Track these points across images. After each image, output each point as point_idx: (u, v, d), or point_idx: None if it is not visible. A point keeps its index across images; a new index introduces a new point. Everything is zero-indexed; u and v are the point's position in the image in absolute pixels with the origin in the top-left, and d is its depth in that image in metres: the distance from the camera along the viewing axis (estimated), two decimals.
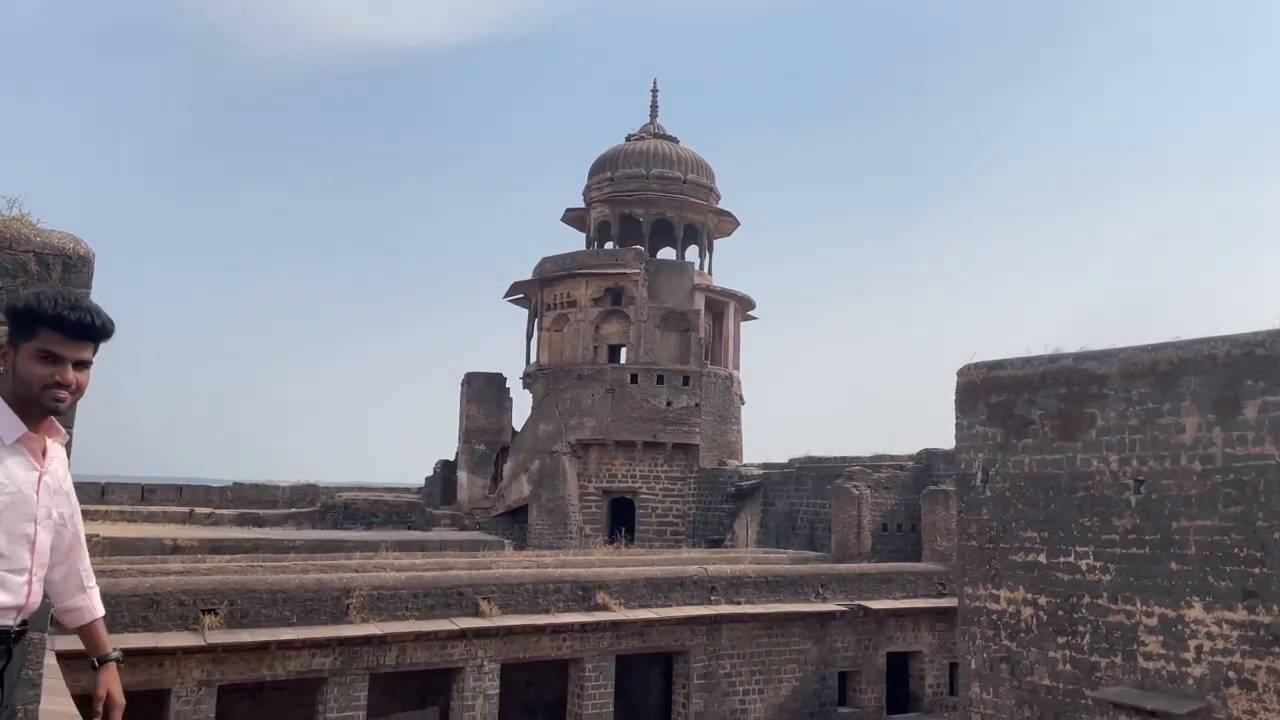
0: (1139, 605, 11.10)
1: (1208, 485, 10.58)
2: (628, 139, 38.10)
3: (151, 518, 28.18)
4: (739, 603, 18.38)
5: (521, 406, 36.80)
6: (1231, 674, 10.21)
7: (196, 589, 14.03)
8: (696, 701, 17.54)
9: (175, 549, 21.40)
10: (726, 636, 17.94)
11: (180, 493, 33.11)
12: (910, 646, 20.08)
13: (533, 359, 36.06)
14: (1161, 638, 10.84)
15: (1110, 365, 11.69)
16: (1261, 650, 10.00)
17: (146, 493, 32.49)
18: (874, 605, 19.39)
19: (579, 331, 34.34)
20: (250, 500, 33.07)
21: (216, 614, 13.81)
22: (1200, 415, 10.71)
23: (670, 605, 17.71)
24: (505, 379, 37.00)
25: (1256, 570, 10.11)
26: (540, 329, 35.70)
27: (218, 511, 29.73)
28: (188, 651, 13.29)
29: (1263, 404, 10.20)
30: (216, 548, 21.56)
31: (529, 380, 35.78)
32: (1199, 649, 10.50)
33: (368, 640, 14.51)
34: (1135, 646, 11.07)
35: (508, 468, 34.53)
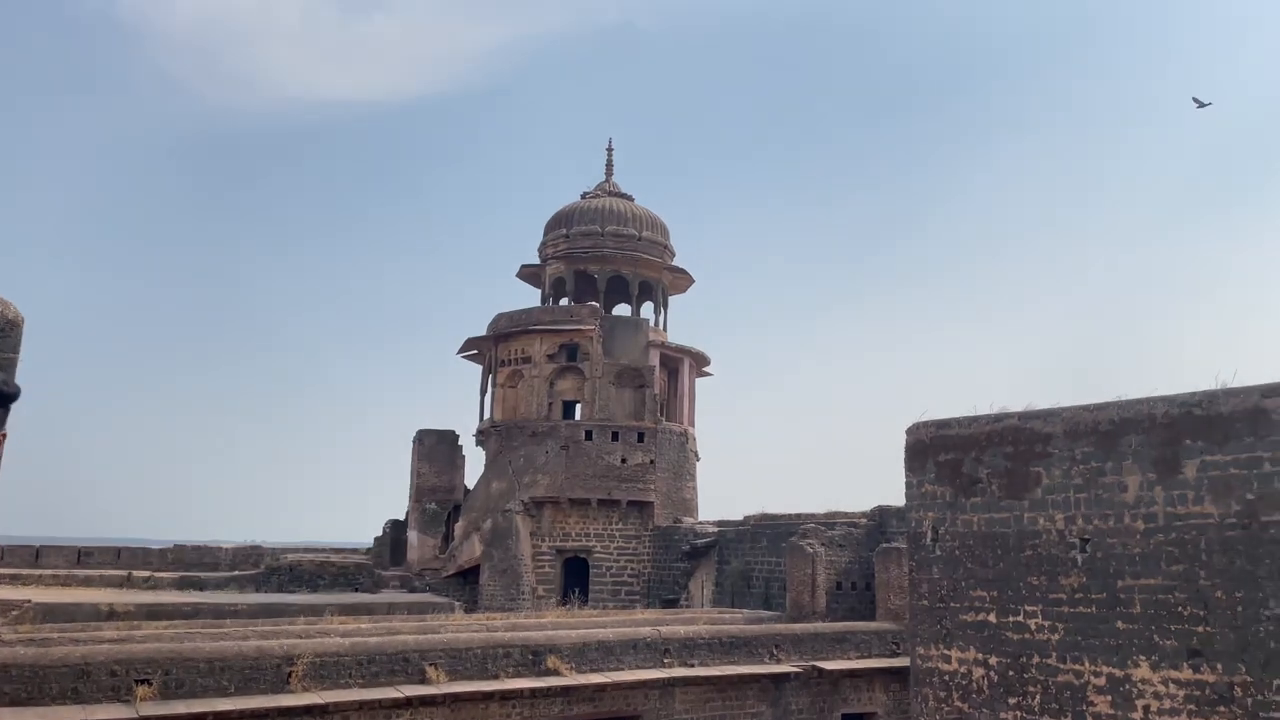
0: (1087, 665, 11.12)
1: (1151, 544, 10.69)
2: (583, 196, 38.44)
3: (87, 582, 27.29)
4: (693, 665, 18.12)
5: (474, 464, 36.43)
6: None
7: (130, 658, 13.51)
8: None
9: (111, 615, 20.72)
10: (680, 700, 17.64)
11: (118, 555, 32.07)
12: (865, 708, 19.88)
13: (486, 415, 35.79)
14: (1110, 697, 10.85)
15: (1054, 424, 11.85)
16: (1207, 709, 10.04)
17: (83, 555, 31.46)
18: (828, 666, 19.22)
19: (533, 388, 34.19)
20: (191, 563, 32.15)
21: (150, 684, 13.29)
22: (1142, 474, 10.87)
23: (623, 669, 17.41)
24: (458, 436, 36.67)
25: (1200, 629, 10.19)
26: (494, 385, 35.50)
27: (157, 575, 28.87)
28: None
29: (1201, 463, 10.37)
30: (154, 613, 20.93)
31: (482, 437, 35.46)
32: (1146, 709, 10.52)
33: (309, 710, 14.04)
34: (1084, 707, 11.06)
35: (459, 527, 34.02)
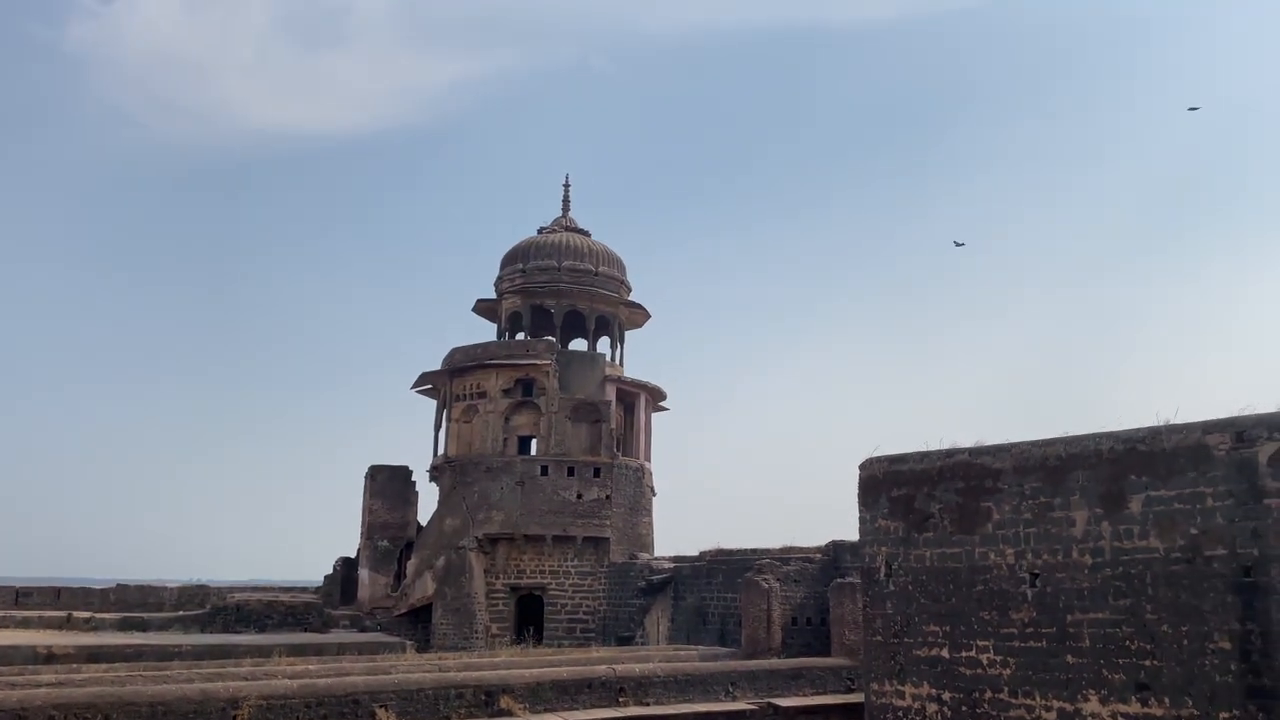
0: (1038, 699, 11.22)
1: (1098, 578, 10.86)
2: (540, 232, 38.53)
3: (25, 623, 26.46)
4: (648, 704, 17.95)
5: (428, 500, 36.03)
6: None
7: (69, 703, 13.07)
8: None
9: (49, 658, 20.10)
10: None
11: (58, 595, 31.19)
12: None
13: (440, 451, 35.47)
14: None
15: (1004, 460, 12.03)
16: None
17: (21, 596, 30.55)
18: (784, 703, 19.14)
19: (488, 423, 33.99)
20: (134, 603, 31.33)
21: None
22: (1089, 509, 11.06)
23: (577, 708, 17.20)
24: (411, 472, 36.27)
25: (1148, 663, 10.34)
26: (449, 420, 35.23)
27: (98, 615, 28.07)
28: None
29: (1146, 498, 10.58)
30: (95, 655, 20.33)
31: (436, 473, 35.11)
32: None
33: None
34: None
35: (411, 565, 33.55)
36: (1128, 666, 10.49)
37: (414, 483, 36.02)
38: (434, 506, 34.51)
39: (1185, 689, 10.00)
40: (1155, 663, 10.26)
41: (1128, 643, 10.51)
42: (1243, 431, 9.99)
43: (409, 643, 26.46)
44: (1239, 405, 10.21)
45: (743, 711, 18.71)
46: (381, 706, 15.25)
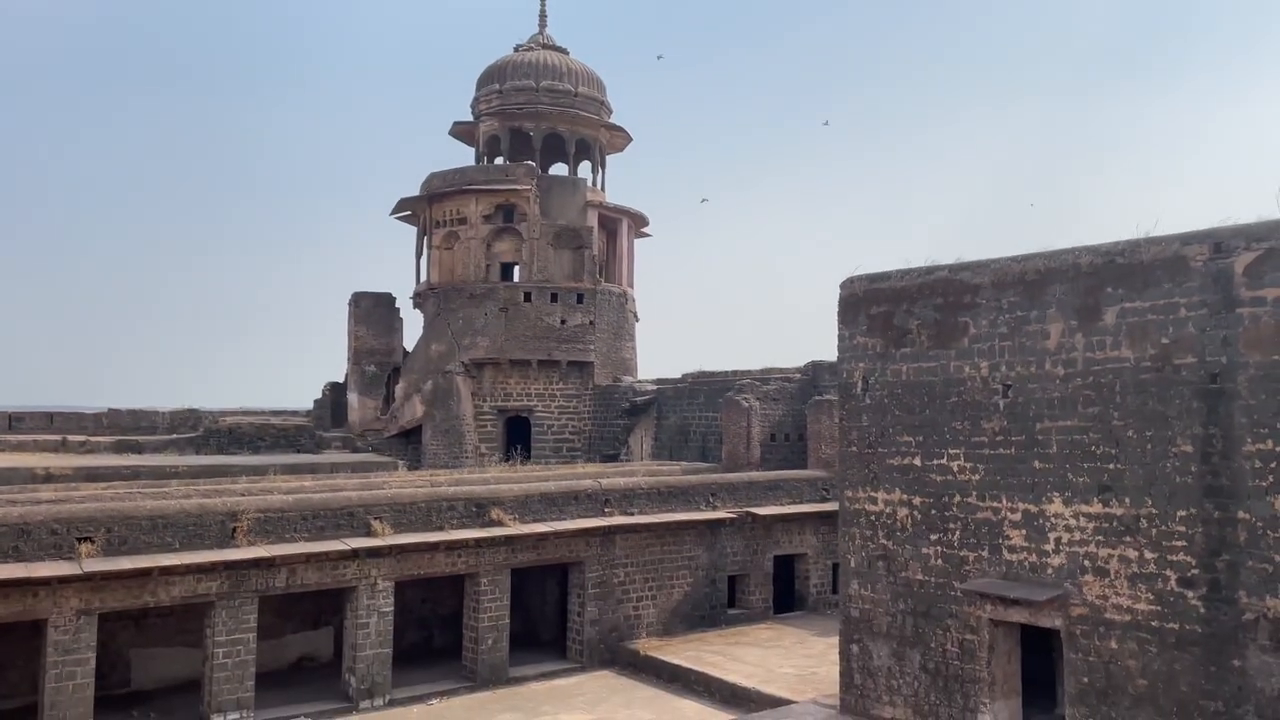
0: (1005, 502, 11.74)
1: (1069, 388, 11.16)
2: (516, 49, 37.11)
3: (21, 447, 26.96)
4: (632, 514, 18.75)
5: (413, 327, 36.23)
6: (1087, 563, 10.94)
7: (70, 517, 13.53)
8: (592, 609, 17.94)
9: (48, 478, 20.61)
10: (620, 546, 18.32)
11: (51, 420, 31.64)
12: (796, 549, 20.89)
13: (423, 278, 35.38)
14: (1024, 531, 11.51)
15: (982, 276, 12.12)
16: (1114, 540, 10.72)
17: (13, 421, 30.98)
18: (762, 512, 20.04)
19: (470, 249, 33.78)
20: (127, 427, 31.87)
21: (93, 542, 13.37)
22: (1064, 322, 11.24)
23: (565, 519, 17.94)
24: (395, 299, 36.32)
25: (1111, 466, 10.78)
26: (430, 247, 34.98)
27: (92, 439, 28.61)
28: (63, 580, 12.87)
29: (1121, 310, 10.74)
30: (92, 475, 20.84)
31: (419, 300, 35.16)
32: (1058, 541, 11.20)
33: (255, 563, 14.30)
34: (1001, 540, 11.74)
35: (400, 389, 34.09)
36: (1092, 470, 10.93)
37: (398, 309, 36.13)
38: (419, 332, 34.76)
39: (1146, 490, 10.47)
40: (1119, 466, 10.70)
41: (1093, 448, 10.91)
42: (1221, 243, 10.05)
43: (401, 462, 27.25)
44: (1219, 218, 10.24)
45: (722, 520, 19.59)
46: (376, 518, 15.85)
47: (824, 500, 20.94)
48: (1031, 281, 11.57)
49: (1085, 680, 10.88)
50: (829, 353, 21.38)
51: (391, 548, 15.62)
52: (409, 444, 33.31)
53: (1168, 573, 10.25)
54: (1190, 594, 10.07)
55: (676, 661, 16.83)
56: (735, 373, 29.01)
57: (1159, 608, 10.29)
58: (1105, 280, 10.88)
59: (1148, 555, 10.43)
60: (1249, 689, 9.58)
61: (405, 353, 35.24)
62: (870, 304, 13.48)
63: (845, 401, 13.92)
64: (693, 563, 19.21)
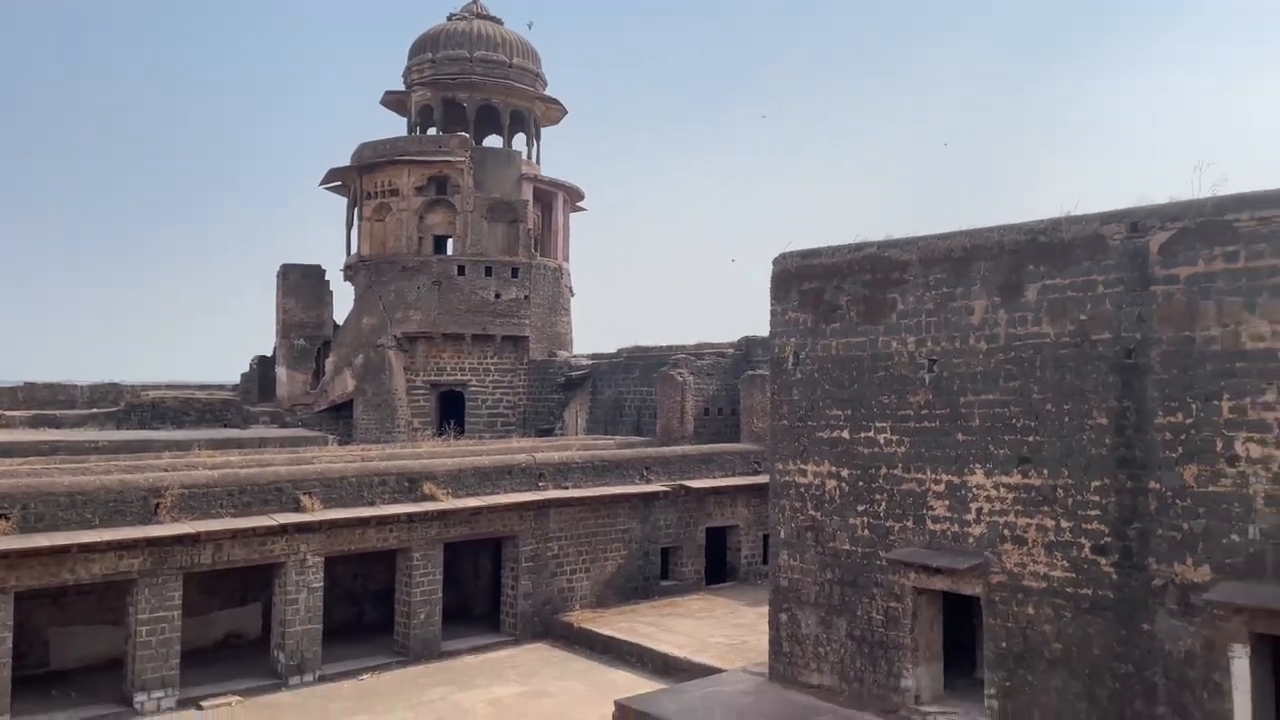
0: (929, 474, 12.04)
1: (992, 363, 11.46)
2: (449, 18, 36.51)
3: None
4: (567, 488, 18.79)
5: (343, 299, 35.66)
6: (1006, 532, 11.29)
7: None
8: (525, 583, 17.98)
9: None
10: (554, 520, 18.36)
11: None
12: (728, 521, 21.17)
13: (354, 250, 34.79)
14: (947, 502, 11.83)
15: (910, 252, 12.34)
16: (1032, 510, 11.08)
17: None
18: (695, 485, 20.25)
19: (402, 221, 33.29)
20: (44, 401, 30.85)
21: (8, 519, 12.97)
22: (988, 298, 11.52)
23: (499, 493, 17.92)
24: (324, 271, 35.67)
25: (1030, 439, 11.11)
26: (361, 219, 34.37)
27: (8, 413, 27.64)
28: None
29: (1042, 287, 11.05)
30: (8, 451, 20.18)
31: (350, 272, 34.58)
32: (979, 511, 11.54)
33: (179, 540, 14.01)
34: (925, 511, 12.04)
35: (330, 362, 33.56)
36: (1012, 442, 11.26)
37: (328, 282, 35.48)
38: (349, 305, 34.22)
39: (1063, 461, 10.82)
40: (1037, 438, 11.04)
41: (1014, 421, 11.24)
42: (1137, 222, 10.38)
43: (331, 436, 26.84)
44: (1136, 198, 10.58)
45: (656, 493, 19.74)
46: (305, 494, 15.63)
47: (756, 473, 21.22)
48: (957, 259, 11.82)
49: (1004, 645, 11.25)
50: (761, 328, 21.64)
51: (321, 523, 15.43)
52: (340, 419, 32.84)
53: (1082, 541, 10.63)
54: (1103, 561, 10.46)
55: (609, 633, 16.98)
56: (670, 347, 29.16)
57: (1074, 574, 10.67)
58: (1027, 258, 11.17)
59: (1064, 524, 10.79)
60: (1157, 651, 10.01)
61: (335, 326, 34.67)
62: (802, 280, 13.64)
63: (777, 376, 14.09)
64: (626, 535, 19.35)
